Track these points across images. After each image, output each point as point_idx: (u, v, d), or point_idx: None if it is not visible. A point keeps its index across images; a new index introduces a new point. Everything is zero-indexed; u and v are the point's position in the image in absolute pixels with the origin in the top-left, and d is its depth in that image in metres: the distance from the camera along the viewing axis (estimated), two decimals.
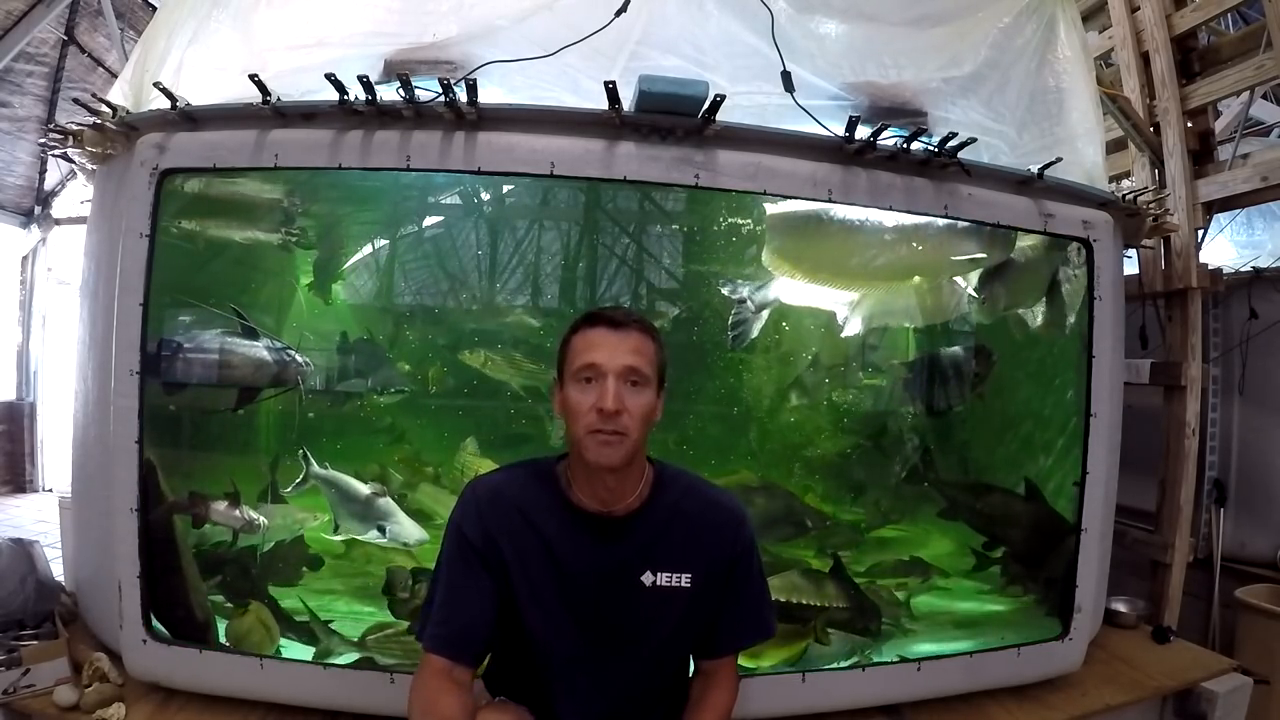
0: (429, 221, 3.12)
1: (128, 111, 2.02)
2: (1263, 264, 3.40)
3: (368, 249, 3.01)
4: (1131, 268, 3.05)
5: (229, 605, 2.08)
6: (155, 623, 1.90)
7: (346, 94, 1.76)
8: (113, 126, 2.02)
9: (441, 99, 1.75)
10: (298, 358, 2.29)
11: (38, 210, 7.03)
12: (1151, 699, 2.29)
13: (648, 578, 1.38)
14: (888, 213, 2.09)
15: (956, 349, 2.69)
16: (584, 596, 1.37)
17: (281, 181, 2.23)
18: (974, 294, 2.55)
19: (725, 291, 2.73)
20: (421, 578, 2.12)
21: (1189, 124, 3.04)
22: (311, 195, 2.46)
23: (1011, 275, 2.44)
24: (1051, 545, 2.30)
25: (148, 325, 1.87)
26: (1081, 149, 2.26)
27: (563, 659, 1.40)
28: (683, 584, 1.39)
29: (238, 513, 2.16)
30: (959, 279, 2.51)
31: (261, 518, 2.20)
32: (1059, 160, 2.06)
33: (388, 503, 2.41)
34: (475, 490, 1.42)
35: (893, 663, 2.13)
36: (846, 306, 2.73)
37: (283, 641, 2.04)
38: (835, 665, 2.11)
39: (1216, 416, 3.45)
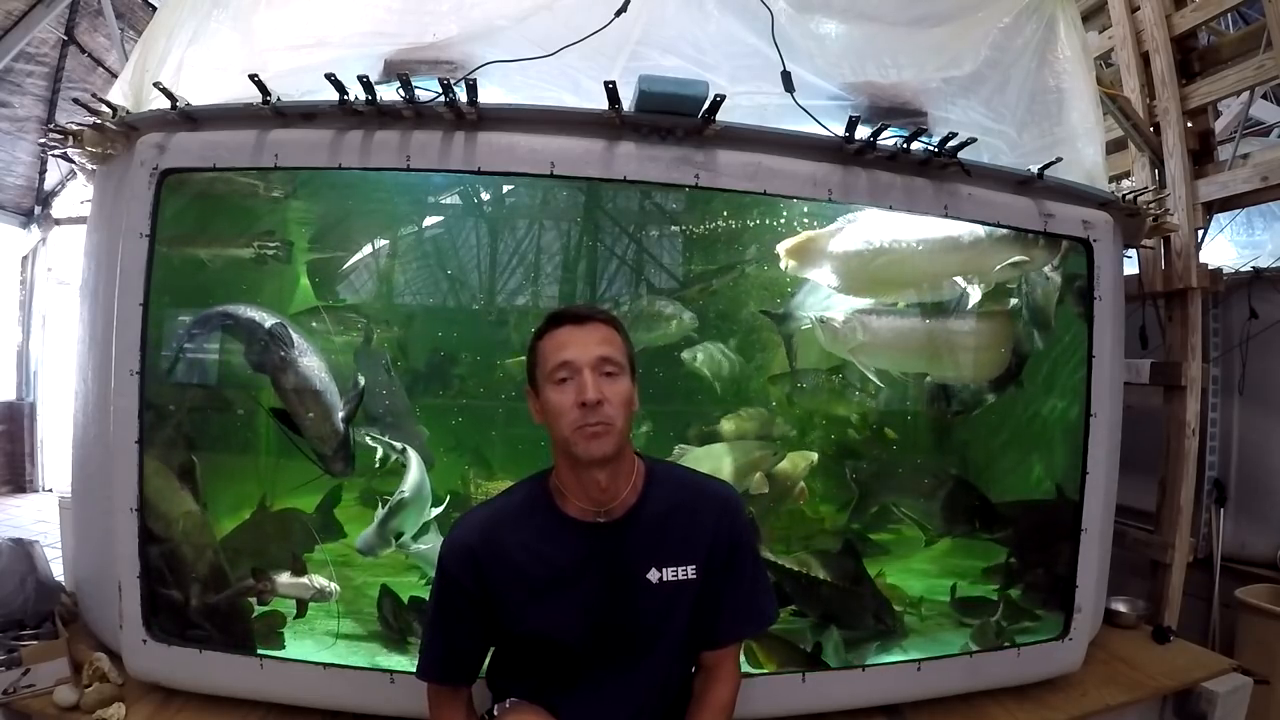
0: (428, 222, 3.10)
1: (128, 111, 2.02)
2: (1263, 264, 3.39)
3: (365, 252, 2.98)
4: (1131, 268, 3.04)
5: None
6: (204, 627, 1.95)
7: (346, 94, 1.76)
8: (113, 126, 2.02)
9: (441, 99, 1.75)
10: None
11: (38, 210, 7.04)
12: (1151, 699, 2.29)
13: (653, 574, 1.38)
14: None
15: None
16: (596, 605, 1.38)
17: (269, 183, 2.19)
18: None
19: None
20: None
21: (1189, 124, 3.04)
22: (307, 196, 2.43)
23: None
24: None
25: (148, 325, 1.87)
26: (1081, 149, 2.26)
27: (586, 668, 1.40)
28: (689, 575, 1.40)
29: (305, 581, 2.12)
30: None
31: (333, 585, 2.14)
32: (1059, 160, 2.06)
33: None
34: (463, 526, 1.43)
35: (893, 663, 2.13)
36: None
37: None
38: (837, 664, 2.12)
39: (1216, 416, 3.44)
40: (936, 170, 2.00)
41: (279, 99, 1.82)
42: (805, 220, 2.45)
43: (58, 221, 7.08)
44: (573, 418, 1.29)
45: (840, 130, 1.88)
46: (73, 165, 2.35)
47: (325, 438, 2.10)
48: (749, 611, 1.48)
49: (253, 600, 2.10)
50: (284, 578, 2.12)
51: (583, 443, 1.30)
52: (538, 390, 1.37)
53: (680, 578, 1.39)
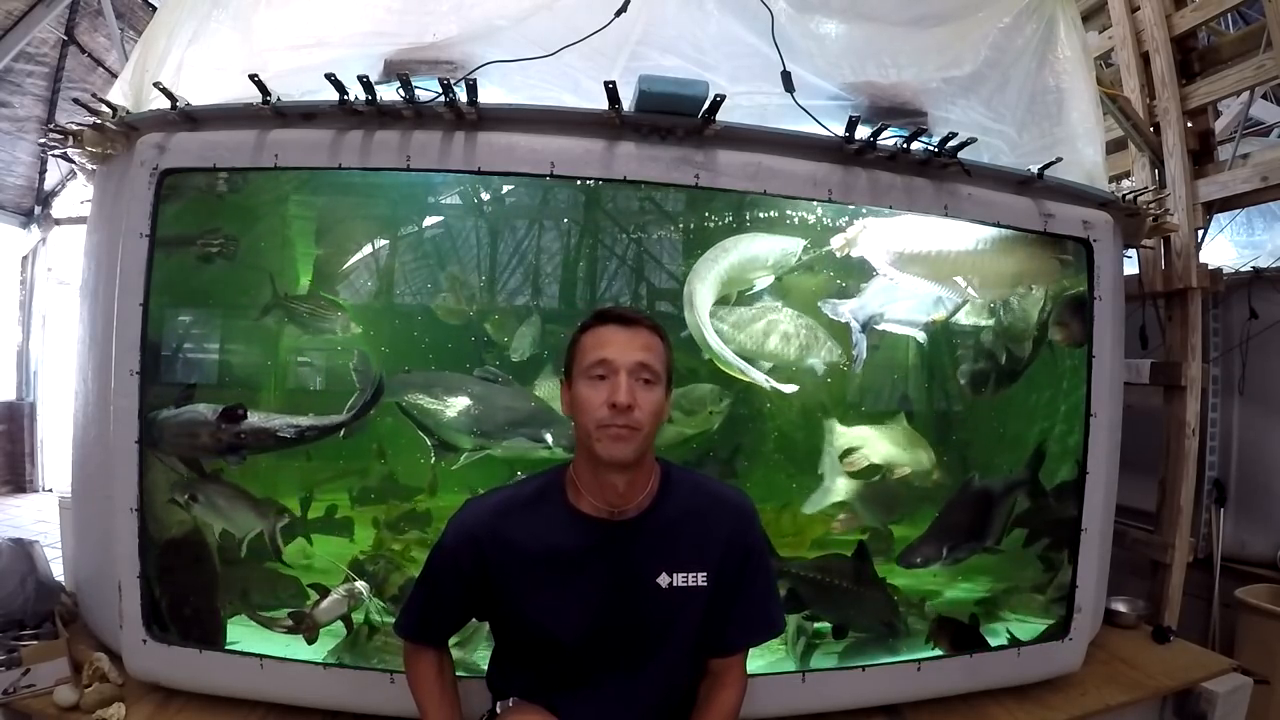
0: (429, 222, 3.08)
1: (128, 111, 2.02)
2: (1263, 264, 3.40)
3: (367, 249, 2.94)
4: (1131, 268, 3.05)
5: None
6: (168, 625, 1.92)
7: (346, 94, 1.76)
8: (113, 126, 2.03)
9: (441, 99, 1.75)
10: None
11: (38, 210, 7.04)
12: (1151, 699, 2.29)
13: (663, 579, 1.38)
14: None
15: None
16: (600, 603, 1.37)
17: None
18: None
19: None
20: None
21: (1189, 124, 3.04)
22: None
23: None
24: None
25: (148, 325, 1.87)
26: (1081, 149, 2.26)
27: (586, 668, 1.40)
28: (699, 583, 1.39)
29: (338, 595, 2.09)
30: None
31: (362, 585, 2.11)
32: (1059, 160, 2.06)
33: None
34: (471, 509, 1.42)
35: (893, 663, 2.13)
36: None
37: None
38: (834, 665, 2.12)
39: (1216, 416, 3.45)
40: (936, 170, 2.00)
41: (279, 99, 1.81)
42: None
43: (58, 221, 7.08)
44: (600, 415, 1.29)
45: (840, 130, 1.88)
46: (73, 165, 2.34)
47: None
48: (760, 620, 1.47)
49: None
50: (319, 606, 2.08)
51: (606, 441, 1.29)
52: (571, 382, 1.36)
53: (690, 584, 1.38)
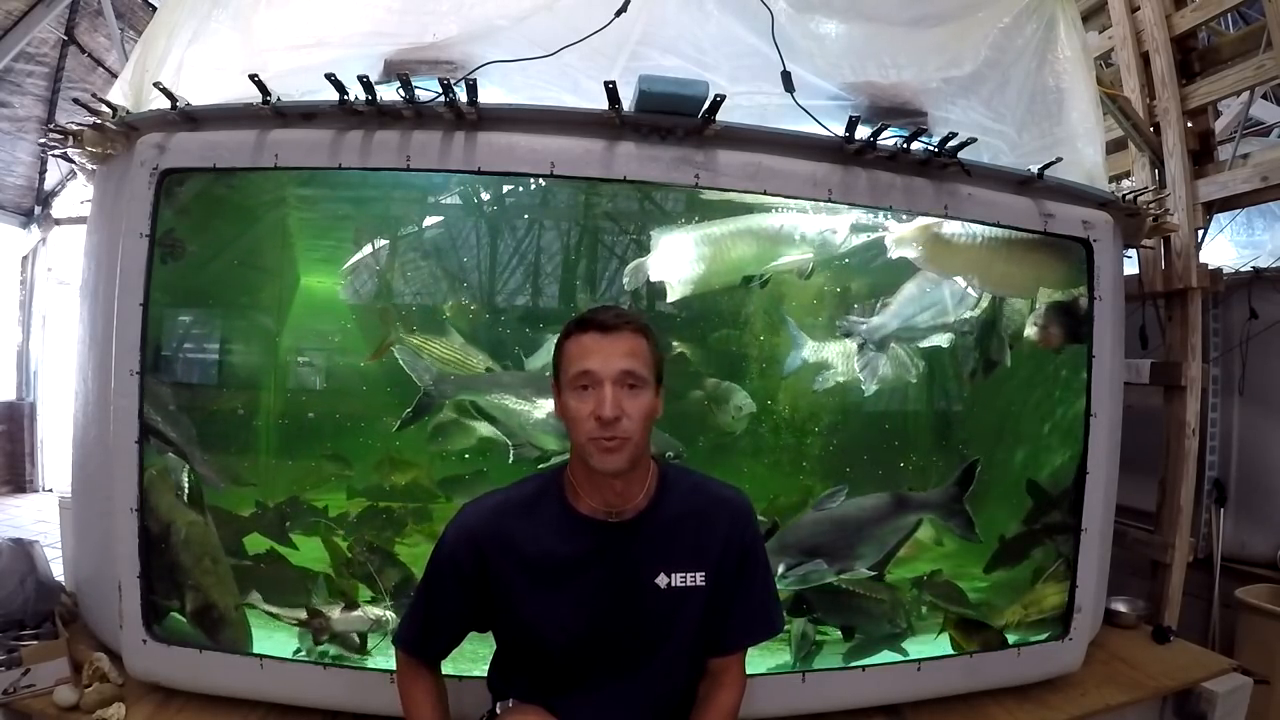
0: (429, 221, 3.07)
1: (128, 111, 2.02)
2: (1263, 264, 3.40)
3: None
4: (1131, 268, 3.05)
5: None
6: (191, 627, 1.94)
7: (346, 94, 1.76)
8: (113, 126, 2.03)
9: (441, 99, 1.75)
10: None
11: (38, 210, 7.04)
12: (1151, 699, 2.29)
13: (662, 579, 1.38)
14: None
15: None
16: (599, 605, 1.37)
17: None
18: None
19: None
20: None
21: (1189, 124, 3.04)
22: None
23: None
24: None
25: (148, 325, 1.87)
26: (1081, 149, 2.26)
27: (585, 669, 1.39)
28: (698, 583, 1.39)
29: (359, 614, 2.10)
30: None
31: (389, 613, 2.10)
32: (1059, 160, 2.06)
33: None
34: (470, 511, 1.42)
35: (893, 663, 2.13)
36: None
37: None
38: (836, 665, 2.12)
39: (1216, 416, 3.45)
40: (936, 170, 2.00)
41: (279, 99, 1.81)
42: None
43: (58, 221, 7.08)
44: (589, 428, 1.28)
45: (840, 130, 1.88)
46: (73, 165, 2.35)
47: None
48: (759, 619, 1.47)
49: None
50: (338, 613, 2.08)
51: (598, 454, 1.29)
52: (560, 390, 1.35)
53: (689, 584, 1.38)
